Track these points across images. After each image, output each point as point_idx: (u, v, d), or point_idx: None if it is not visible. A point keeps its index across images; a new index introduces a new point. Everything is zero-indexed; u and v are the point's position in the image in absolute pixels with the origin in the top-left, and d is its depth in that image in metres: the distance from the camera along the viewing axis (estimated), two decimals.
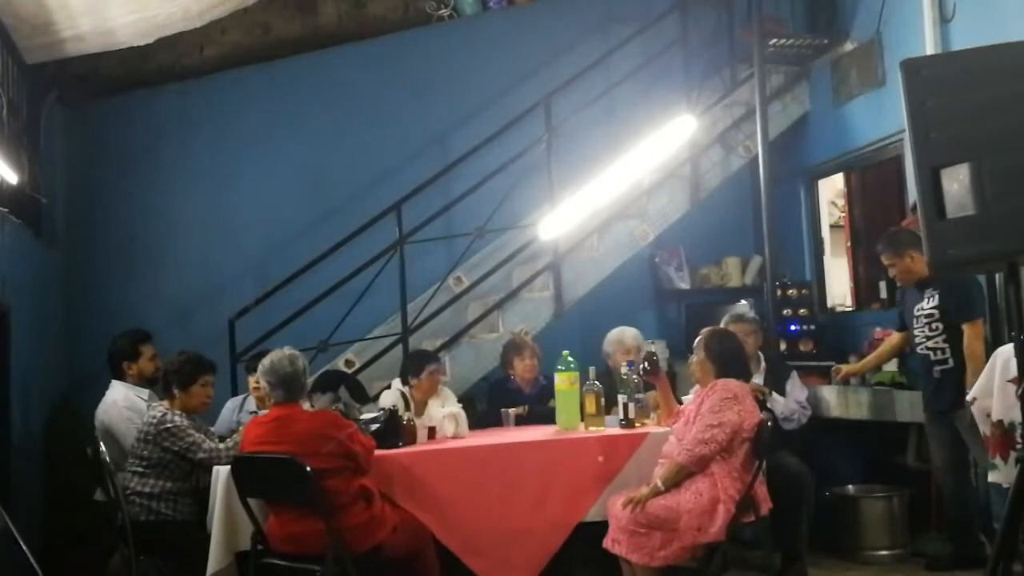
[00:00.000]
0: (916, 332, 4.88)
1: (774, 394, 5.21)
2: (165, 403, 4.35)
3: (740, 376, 4.30)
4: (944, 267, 2.46)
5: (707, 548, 4.02)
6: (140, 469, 4.23)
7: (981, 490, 4.73)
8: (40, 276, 5.58)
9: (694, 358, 4.36)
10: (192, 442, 4.20)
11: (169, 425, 4.21)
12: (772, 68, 6.50)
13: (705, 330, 4.49)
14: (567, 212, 5.81)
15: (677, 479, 4.05)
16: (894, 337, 5.24)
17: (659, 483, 4.06)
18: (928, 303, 4.81)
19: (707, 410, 4.10)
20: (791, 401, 5.26)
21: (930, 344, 4.79)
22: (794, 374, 5.45)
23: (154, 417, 4.25)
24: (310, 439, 3.84)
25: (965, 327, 4.61)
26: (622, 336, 5.46)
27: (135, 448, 4.28)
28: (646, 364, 4.53)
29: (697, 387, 4.42)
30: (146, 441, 4.23)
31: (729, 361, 4.30)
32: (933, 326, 4.77)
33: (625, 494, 4.13)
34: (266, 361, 4.05)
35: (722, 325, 5.13)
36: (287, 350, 4.09)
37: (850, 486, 5.55)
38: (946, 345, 4.71)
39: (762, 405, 4.79)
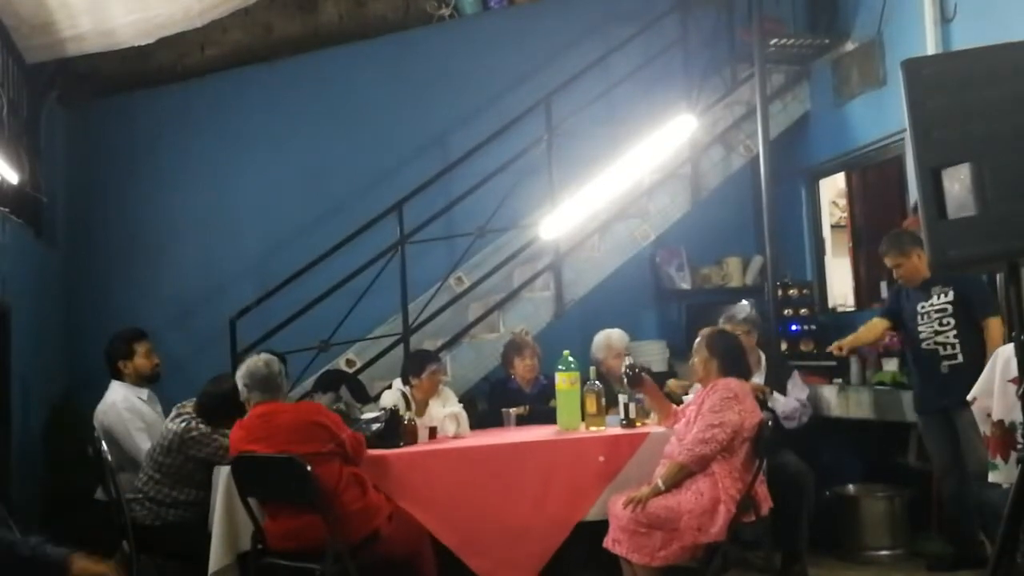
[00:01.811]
0: (921, 329, 4.85)
1: (775, 393, 5.21)
2: (190, 410, 4.31)
3: (741, 375, 4.31)
4: (945, 267, 2.46)
5: (708, 548, 4.03)
6: (157, 476, 4.22)
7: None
8: (40, 276, 5.58)
9: (696, 358, 4.36)
10: (220, 446, 4.20)
11: (195, 434, 4.20)
12: (773, 68, 6.49)
13: (705, 330, 4.49)
14: (568, 212, 5.81)
15: (678, 479, 4.05)
16: (881, 323, 5.16)
17: (660, 483, 4.06)
18: (938, 299, 4.79)
19: (708, 410, 4.10)
20: (792, 400, 5.26)
21: (939, 339, 4.76)
22: (795, 373, 5.46)
23: (179, 427, 4.22)
24: (296, 427, 3.88)
25: (989, 321, 4.61)
26: (608, 340, 5.46)
27: (153, 453, 4.26)
28: (628, 373, 4.52)
29: (697, 387, 4.42)
30: (168, 450, 4.21)
31: (732, 360, 4.31)
32: (944, 321, 4.75)
33: (626, 494, 4.13)
34: (241, 367, 4.10)
35: (720, 324, 5.16)
36: (263, 355, 4.17)
37: (850, 486, 5.55)
38: (957, 340, 4.70)
39: (763, 404, 4.79)
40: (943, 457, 4.85)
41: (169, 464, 4.21)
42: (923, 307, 4.86)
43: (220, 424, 4.24)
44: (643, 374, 4.56)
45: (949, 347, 4.74)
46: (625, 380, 4.55)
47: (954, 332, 4.72)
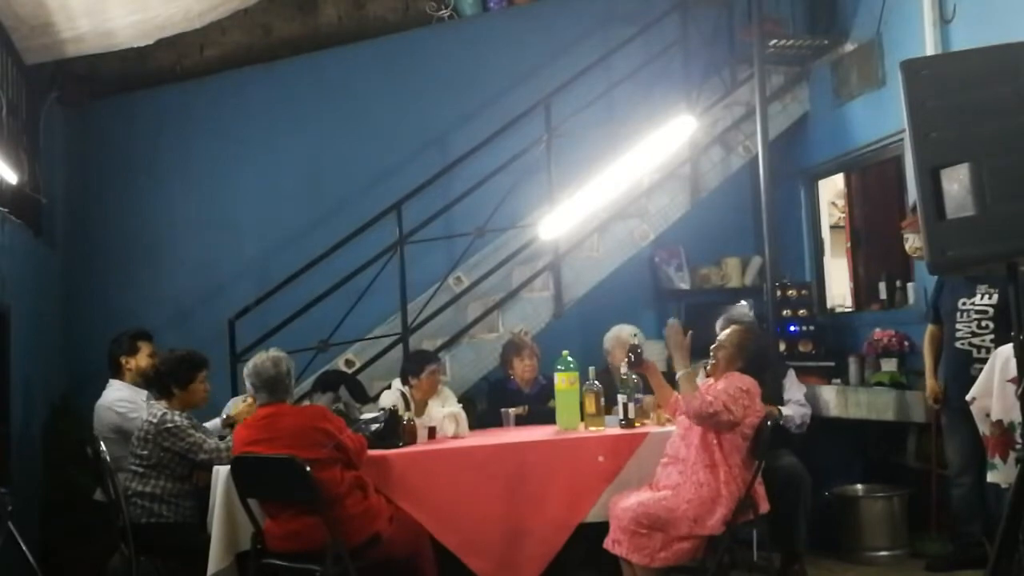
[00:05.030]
0: (958, 327, 4.71)
1: (781, 409, 5.18)
2: (163, 402, 4.34)
3: (756, 376, 4.29)
4: (944, 268, 2.46)
5: (707, 548, 4.03)
6: (140, 469, 4.22)
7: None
8: (40, 276, 5.58)
9: (721, 352, 4.28)
10: (193, 442, 4.20)
11: (169, 425, 4.19)
12: (772, 68, 6.49)
13: (740, 327, 4.41)
14: (567, 212, 5.80)
15: (690, 389, 4.07)
16: (934, 330, 4.97)
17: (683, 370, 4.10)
18: (982, 299, 4.66)
19: (721, 389, 4.09)
20: (795, 406, 5.24)
21: (975, 341, 4.65)
22: (791, 372, 5.43)
23: (153, 416, 4.23)
24: (300, 432, 3.87)
25: None
26: (619, 333, 5.48)
27: (133, 448, 4.26)
28: (630, 356, 4.52)
29: (702, 379, 4.39)
30: (145, 441, 4.21)
31: (756, 364, 4.30)
32: (984, 324, 4.62)
33: (626, 494, 4.13)
34: (249, 364, 4.08)
35: (717, 327, 5.14)
36: (272, 352, 4.13)
37: (850, 486, 5.55)
38: (993, 346, 4.49)
39: (777, 423, 4.79)
40: (960, 456, 4.78)
41: (147, 456, 4.20)
42: (964, 303, 4.71)
43: (184, 383, 4.34)
44: (645, 357, 4.55)
45: (984, 351, 4.56)
46: (628, 360, 4.53)
47: (992, 337, 4.55)
